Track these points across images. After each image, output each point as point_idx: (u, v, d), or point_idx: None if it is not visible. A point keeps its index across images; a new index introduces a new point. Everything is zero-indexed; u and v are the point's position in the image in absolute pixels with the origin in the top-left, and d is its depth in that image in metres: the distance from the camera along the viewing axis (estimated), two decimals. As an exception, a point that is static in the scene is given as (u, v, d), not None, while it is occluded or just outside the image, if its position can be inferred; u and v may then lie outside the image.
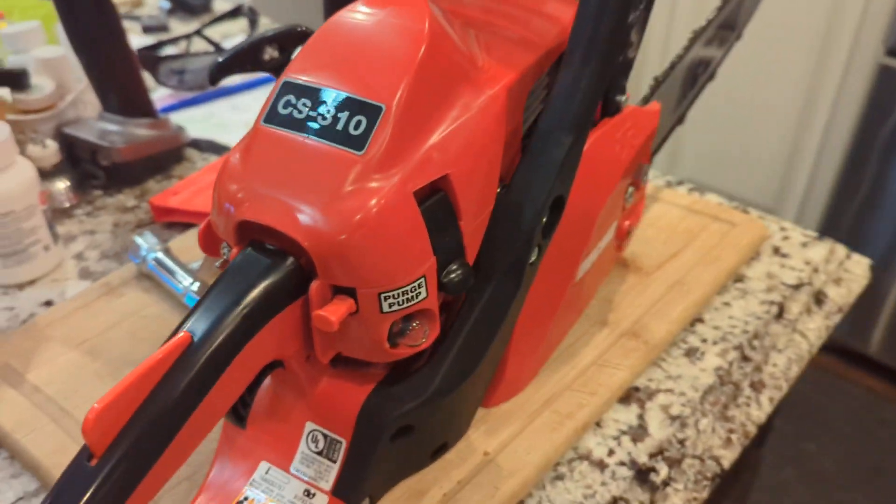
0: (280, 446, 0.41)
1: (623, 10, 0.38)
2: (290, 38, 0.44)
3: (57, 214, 0.69)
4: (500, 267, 0.40)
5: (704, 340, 0.55)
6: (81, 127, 0.70)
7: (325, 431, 0.40)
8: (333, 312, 0.35)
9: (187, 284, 0.56)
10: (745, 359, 0.55)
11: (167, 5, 1.08)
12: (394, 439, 0.39)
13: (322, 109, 0.36)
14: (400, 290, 0.36)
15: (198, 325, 0.33)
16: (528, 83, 0.41)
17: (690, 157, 1.80)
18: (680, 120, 0.68)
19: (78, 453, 0.31)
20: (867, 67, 1.48)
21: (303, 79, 0.37)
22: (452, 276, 0.38)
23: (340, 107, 0.35)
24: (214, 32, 1.02)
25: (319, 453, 0.40)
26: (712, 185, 1.72)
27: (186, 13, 1.05)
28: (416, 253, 0.35)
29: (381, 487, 0.41)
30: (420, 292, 0.36)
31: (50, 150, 0.67)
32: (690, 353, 0.54)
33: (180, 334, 0.32)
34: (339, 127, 0.35)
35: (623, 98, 0.48)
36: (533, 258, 0.41)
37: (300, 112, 0.36)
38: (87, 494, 0.29)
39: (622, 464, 0.46)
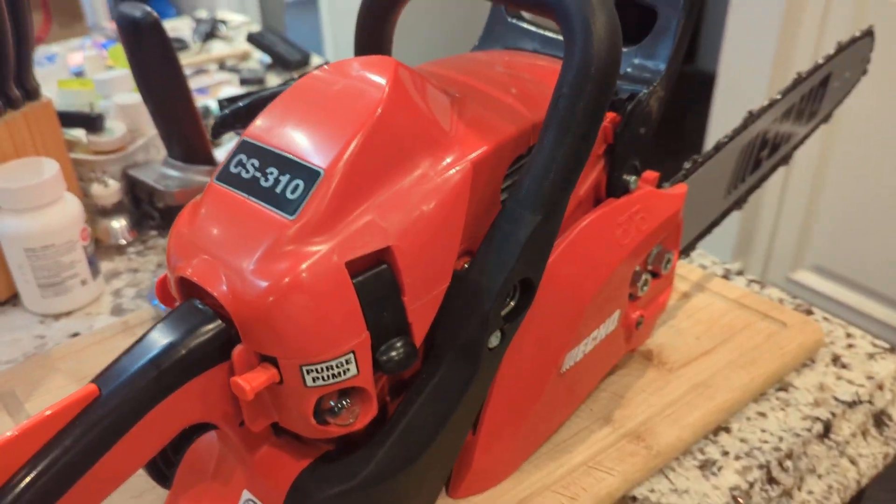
0: (216, 511, 0.39)
1: (602, 93, 0.35)
2: None
3: (111, 250, 0.72)
4: (451, 348, 0.37)
5: (726, 453, 0.49)
6: (145, 170, 0.73)
7: (259, 503, 0.38)
8: (250, 381, 0.33)
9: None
10: (772, 480, 0.48)
11: (268, 59, 1.13)
12: (322, 525, 0.37)
13: (269, 170, 0.35)
14: (324, 365, 0.33)
15: (108, 379, 0.32)
16: (508, 157, 0.39)
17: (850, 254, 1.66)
18: (737, 205, 0.63)
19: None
20: None
21: (257, 139, 0.36)
22: (393, 353, 0.35)
23: (283, 169, 0.34)
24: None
25: (250, 526, 0.38)
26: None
27: (283, 68, 1.10)
28: (343, 326, 0.33)
29: None
30: (348, 368, 0.34)
31: (111, 190, 0.71)
32: (706, 465, 0.48)
33: (88, 386, 0.32)
34: (279, 190, 0.34)
35: (632, 178, 0.44)
36: (495, 343, 0.38)
37: (248, 172, 0.35)
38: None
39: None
